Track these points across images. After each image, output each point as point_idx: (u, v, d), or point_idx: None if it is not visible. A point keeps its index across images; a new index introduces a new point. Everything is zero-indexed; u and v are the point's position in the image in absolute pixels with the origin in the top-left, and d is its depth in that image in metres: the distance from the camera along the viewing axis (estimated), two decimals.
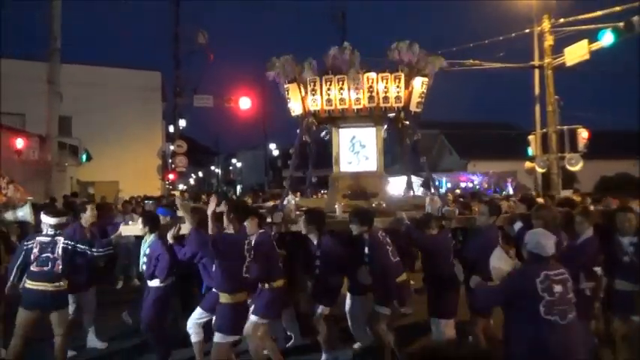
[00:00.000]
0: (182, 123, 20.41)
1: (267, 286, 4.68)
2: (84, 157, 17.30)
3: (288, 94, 6.25)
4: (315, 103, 6.03)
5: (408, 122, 6.34)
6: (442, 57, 6.12)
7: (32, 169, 14.65)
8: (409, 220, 5.15)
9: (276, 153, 39.74)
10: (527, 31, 15.32)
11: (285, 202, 5.99)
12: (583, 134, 14.52)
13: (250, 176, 46.31)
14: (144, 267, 4.95)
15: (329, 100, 5.96)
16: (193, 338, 4.86)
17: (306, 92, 6.11)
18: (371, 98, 5.85)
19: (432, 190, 6.87)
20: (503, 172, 21.27)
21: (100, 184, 18.84)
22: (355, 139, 6.33)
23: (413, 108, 5.97)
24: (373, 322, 4.85)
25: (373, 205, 5.79)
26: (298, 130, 6.46)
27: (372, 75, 5.85)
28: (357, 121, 6.23)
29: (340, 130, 6.32)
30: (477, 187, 20.21)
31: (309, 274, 5.09)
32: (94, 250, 4.97)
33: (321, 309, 4.93)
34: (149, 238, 4.92)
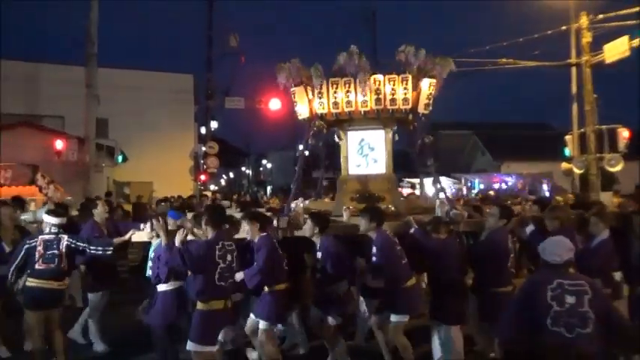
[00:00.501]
0: (214, 125, 20.67)
1: (267, 289, 4.62)
2: (120, 158, 17.77)
3: (294, 97, 6.26)
4: (322, 106, 6.01)
5: (416, 124, 6.29)
6: (451, 59, 6.04)
7: (71, 169, 15.15)
8: (417, 224, 5.04)
9: (306, 153, 40.23)
10: (564, 28, 14.89)
11: (293, 206, 5.96)
12: (624, 134, 14.00)
13: (280, 177, 46.57)
14: (150, 271, 4.86)
15: (336, 103, 5.94)
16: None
17: (313, 95, 6.09)
18: (378, 100, 5.81)
19: (442, 194, 6.70)
20: (538, 174, 20.72)
21: (135, 184, 19.29)
22: (364, 141, 6.29)
23: (421, 110, 5.92)
24: (394, 334, 4.71)
25: (382, 208, 5.69)
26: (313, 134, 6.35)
27: (379, 77, 5.81)
28: (365, 123, 6.19)
29: (348, 132, 6.29)
30: (512, 188, 19.76)
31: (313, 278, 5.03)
32: (92, 247, 4.92)
33: (329, 320, 4.77)
34: (155, 242, 4.83)
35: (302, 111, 6.24)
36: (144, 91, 18.61)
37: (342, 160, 6.37)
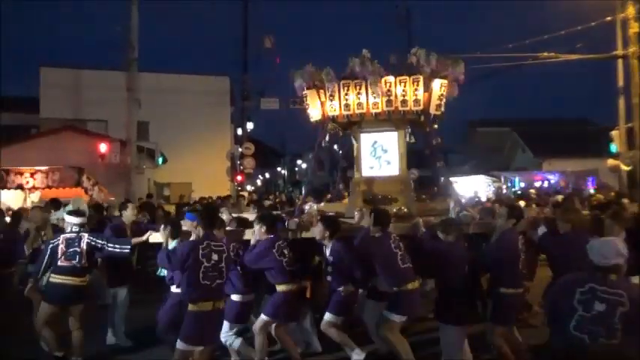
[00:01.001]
0: (250, 126, 20.97)
1: (279, 288, 4.79)
2: (160, 159, 18.25)
3: (306, 100, 6.33)
4: (333, 109, 6.07)
5: (430, 125, 6.25)
6: (462, 61, 5.99)
7: (114, 171, 15.64)
8: (426, 226, 5.01)
9: (340, 152, 40.34)
10: (609, 19, 14.30)
11: (307, 208, 6.06)
12: None
13: (316, 177, 48.52)
14: (165, 272, 5.00)
15: (347, 105, 5.97)
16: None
17: (325, 98, 6.15)
18: (389, 102, 5.81)
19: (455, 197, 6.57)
20: (583, 171, 19.98)
21: (174, 185, 19.77)
22: (377, 143, 6.29)
23: (432, 111, 5.87)
24: (382, 328, 4.77)
25: (394, 210, 5.70)
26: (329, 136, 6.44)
27: (391, 79, 5.81)
28: (378, 125, 6.19)
29: (362, 135, 6.32)
30: (554, 186, 19.12)
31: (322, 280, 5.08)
32: (109, 245, 5.08)
33: (330, 317, 4.88)
34: (171, 244, 4.85)
35: (314, 114, 6.32)
36: (182, 93, 19.04)
37: (355, 161, 6.42)
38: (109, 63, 15.97)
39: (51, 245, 5.00)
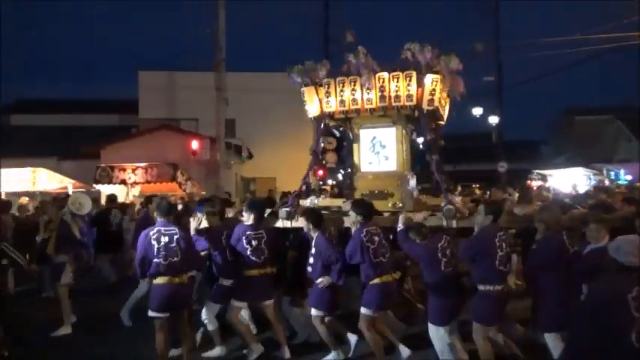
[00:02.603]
0: None
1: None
2: (246, 155, 18.96)
3: (304, 97, 6.44)
4: (329, 105, 6.19)
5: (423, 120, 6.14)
6: (454, 55, 5.85)
7: (204, 167, 16.53)
8: (406, 223, 5.09)
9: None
10: None
11: (307, 202, 6.35)
12: None
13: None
14: None
15: (342, 101, 6.08)
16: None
17: (322, 95, 6.27)
18: (382, 98, 5.84)
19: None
20: None
21: (260, 180, 20.45)
22: (375, 139, 6.32)
23: (425, 106, 5.83)
24: (360, 325, 4.94)
25: (389, 205, 5.86)
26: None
27: (384, 75, 5.83)
28: (376, 121, 6.25)
29: (361, 130, 6.41)
30: None
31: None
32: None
33: (313, 311, 5.14)
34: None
35: (312, 110, 6.44)
36: (266, 91, 19.60)
37: (355, 157, 6.52)
38: (198, 65, 16.74)
39: (147, 237, 5.20)
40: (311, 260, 5.19)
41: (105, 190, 14.10)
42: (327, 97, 6.21)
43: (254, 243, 5.27)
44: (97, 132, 20.58)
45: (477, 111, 23.59)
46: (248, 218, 5.35)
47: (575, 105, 32.13)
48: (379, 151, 6.34)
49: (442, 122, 6.68)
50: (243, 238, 5.26)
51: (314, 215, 5.37)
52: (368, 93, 5.95)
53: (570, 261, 4.23)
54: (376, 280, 4.91)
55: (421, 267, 4.97)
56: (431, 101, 5.85)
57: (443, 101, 6.19)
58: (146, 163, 15.19)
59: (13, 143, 17.70)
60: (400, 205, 5.88)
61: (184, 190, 14.88)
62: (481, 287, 4.53)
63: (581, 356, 2.87)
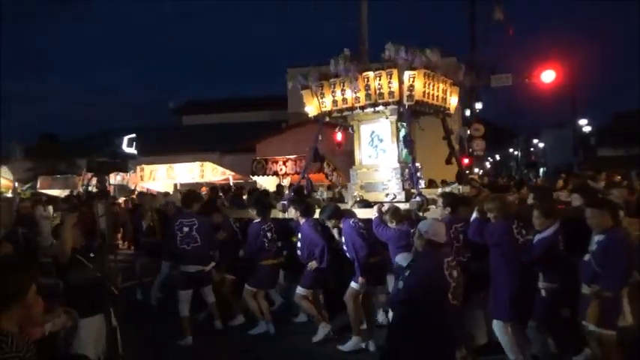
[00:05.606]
0: (478, 105, 19.71)
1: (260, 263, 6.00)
2: None
3: (303, 99, 6.87)
4: (324, 105, 6.59)
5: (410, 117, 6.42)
6: (436, 49, 6.08)
7: (347, 158, 16.58)
8: (380, 211, 5.41)
9: (587, 129, 34.52)
10: None
11: (317, 195, 7.03)
12: None
13: (555, 157, 40.52)
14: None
15: (334, 101, 6.47)
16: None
17: (318, 96, 6.65)
18: (367, 96, 6.15)
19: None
20: None
21: None
22: (374, 133, 6.61)
23: (405, 101, 6.05)
24: (347, 298, 5.44)
25: (385, 196, 6.07)
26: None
27: (370, 74, 6.09)
28: (373, 116, 6.54)
29: (361, 125, 6.70)
30: None
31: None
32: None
33: (300, 290, 5.76)
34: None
35: (310, 110, 6.81)
36: None
37: (355, 151, 6.76)
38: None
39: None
40: (299, 245, 5.81)
41: (260, 181, 15.55)
42: (322, 98, 6.54)
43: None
44: (252, 127, 22.36)
45: None
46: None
47: None
48: (377, 145, 6.55)
49: (449, 112, 6.83)
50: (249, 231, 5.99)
51: (302, 205, 5.92)
52: (355, 92, 6.18)
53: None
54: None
55: (389, 250, 5.09)
56: (410, 97, 5.93)
57: (442, 92, 6.38)
58: (295, 156, 15.34)
59: (185, 140, 21.52)
60: (396, 197, 5.98)
61: (330, 180, 16.06)
62: None
63: (423, 310, 3.44)
